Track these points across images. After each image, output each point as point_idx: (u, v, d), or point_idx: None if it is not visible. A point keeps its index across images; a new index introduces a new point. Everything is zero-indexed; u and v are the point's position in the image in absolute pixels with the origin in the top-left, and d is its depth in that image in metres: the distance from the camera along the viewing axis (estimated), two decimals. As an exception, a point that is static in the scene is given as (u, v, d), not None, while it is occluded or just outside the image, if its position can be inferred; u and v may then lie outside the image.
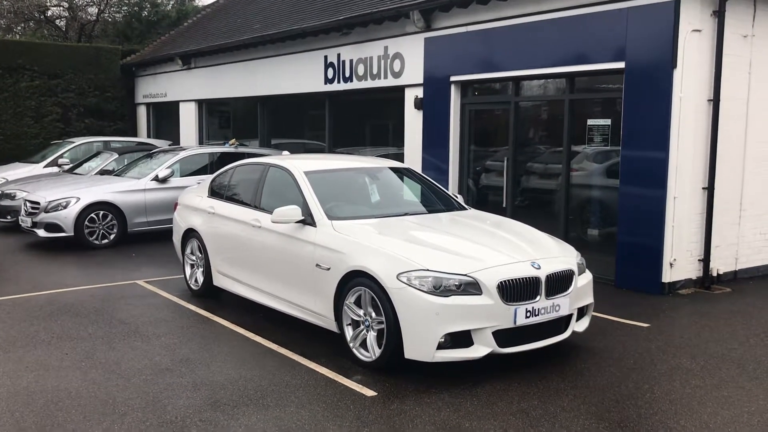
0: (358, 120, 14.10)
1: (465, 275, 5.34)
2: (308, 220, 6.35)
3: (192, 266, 8.19)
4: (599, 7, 8.72)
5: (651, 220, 8.31)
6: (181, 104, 18.86)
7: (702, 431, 4.60)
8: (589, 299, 6.13)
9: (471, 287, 5.32)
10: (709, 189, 8.43)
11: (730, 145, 8.66)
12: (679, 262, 8.32)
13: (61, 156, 15.31)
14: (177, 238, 8.49)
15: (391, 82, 12.02)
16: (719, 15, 8.18)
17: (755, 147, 8.98)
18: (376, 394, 5.18)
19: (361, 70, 12.62)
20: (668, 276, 8.29)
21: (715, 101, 8.31)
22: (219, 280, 7.68)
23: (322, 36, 13.28)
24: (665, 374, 5.64)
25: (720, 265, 8.77)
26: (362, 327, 5.71)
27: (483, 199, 10.97)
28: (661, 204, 8.22)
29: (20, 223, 11.45)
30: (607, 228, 9.23)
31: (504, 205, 10.31)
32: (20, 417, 4.78)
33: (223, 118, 18.23)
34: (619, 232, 8.66)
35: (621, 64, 8.48)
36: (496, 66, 10.13)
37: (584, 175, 9.52)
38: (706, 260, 8.53)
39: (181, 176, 12.17)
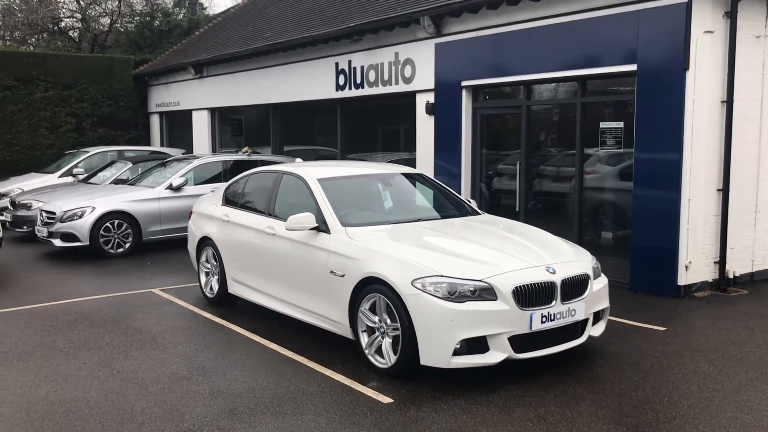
0: (369, 126, 14.13)
1: (480, 281, 5.33)
2: (322, 227, 6.37)
3: (207, 274, 8.23)
4: (610, 9, 8.70)
5: (665, 223, 8.27)
6: (193, 113, 18.98)
7: (721, 435, 4.58)
8: (604, 303, 6.10)
9: (486, 293, 5.31)
10: (724, 191, 8.38)
11: (745, 147, 8.61)
12: (694, 264, 8.27)
13: (75, 166, 15.43)
14: (192, 247, 8.54)
15: (402, 87, 12.05)
16: (731, 16, 8.14)
17: (770, 147, 8.92)
18: (392, 400, 5.18)
19: (372, 76, 12.65)
20: (683, 279, 8.24)
21: (729, 102, 8.27)
22: (234, 288, 7.72)
23: (333, 43, 13.33)
24: (683, 378, 5.61)
25: (736, 267, 8.71)
26: (377, 333, 5.71)
27: (496, 203, 10.95)
28: (676, 206, 8.18)
29: (36, 233, 11.55)
30: (621, 231, 9.19)
31: (517, 209, 10.29)
32: (39, 427, 4.82)
33: (236, 126, 18.32)
34: (634, 235, 8.62)
35: (633, 67, 8.46)
36: (507, 70, 10.12)
37: (597, 178, 9.49)
38: (721, 262, 8.48)
39: (195, 184, 12.23)
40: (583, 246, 6.98)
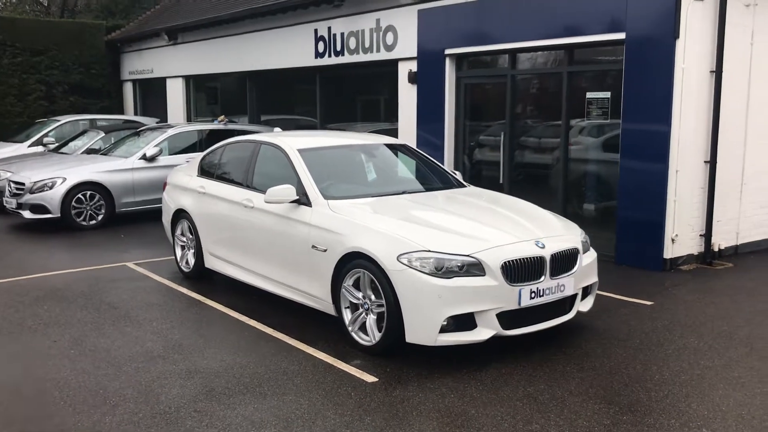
0: (349, 95, 13.81)
1: (468, 256, 5.14)
2: (303, 199, 6.12)
3: (183, 248, 7.97)
4: (599, -25, 8.46)
5: (652, 195, 8.13)
6: (168, 80, 18.50)
7: (714, 414, 4.46)
8: (593, 278, 5.96)
9: (474, 268, 5.12)
10: (712, 162, 8.26)
11: (733, 118, 8.48)
12: (680, 237, 8.17)
13: (46, 135, 15.00)
14: (166, 219, 8.25)
15: (383, 55, 11.75)
16: (723, -17, 7.95)
17: (757, 119, 8.80)
18: (377, 379, 5.00)
19: (352, 43, 12.32)
20: (670, 252, 8.14)
21: (718, 72, 8.11)
22: (211, 262, 7.47)
23: (312, 8, 12.95)
24: (673, 354, 5.50)
25: (721, 240, 8.63)
26: (361, 310, 5.51)
27: (477, 174, 10.76)
28: (663, 178, 8.04)
29: (5, 204, 11.18)
30: (606, 203, 9.05)
31: (501, 181, 10.11)
32: (4, 411, 4.57)
33: (211, 94, 17.90)
34: (620, 208, 8.49)
35: (621, 35, 8.24)
36: (492, 38, 9.86)
37: (583, 149, 9.32)
38: (707, 235, 8.39)
39: (170, 154, 11.89)
40: (568, 218, 6.82)
